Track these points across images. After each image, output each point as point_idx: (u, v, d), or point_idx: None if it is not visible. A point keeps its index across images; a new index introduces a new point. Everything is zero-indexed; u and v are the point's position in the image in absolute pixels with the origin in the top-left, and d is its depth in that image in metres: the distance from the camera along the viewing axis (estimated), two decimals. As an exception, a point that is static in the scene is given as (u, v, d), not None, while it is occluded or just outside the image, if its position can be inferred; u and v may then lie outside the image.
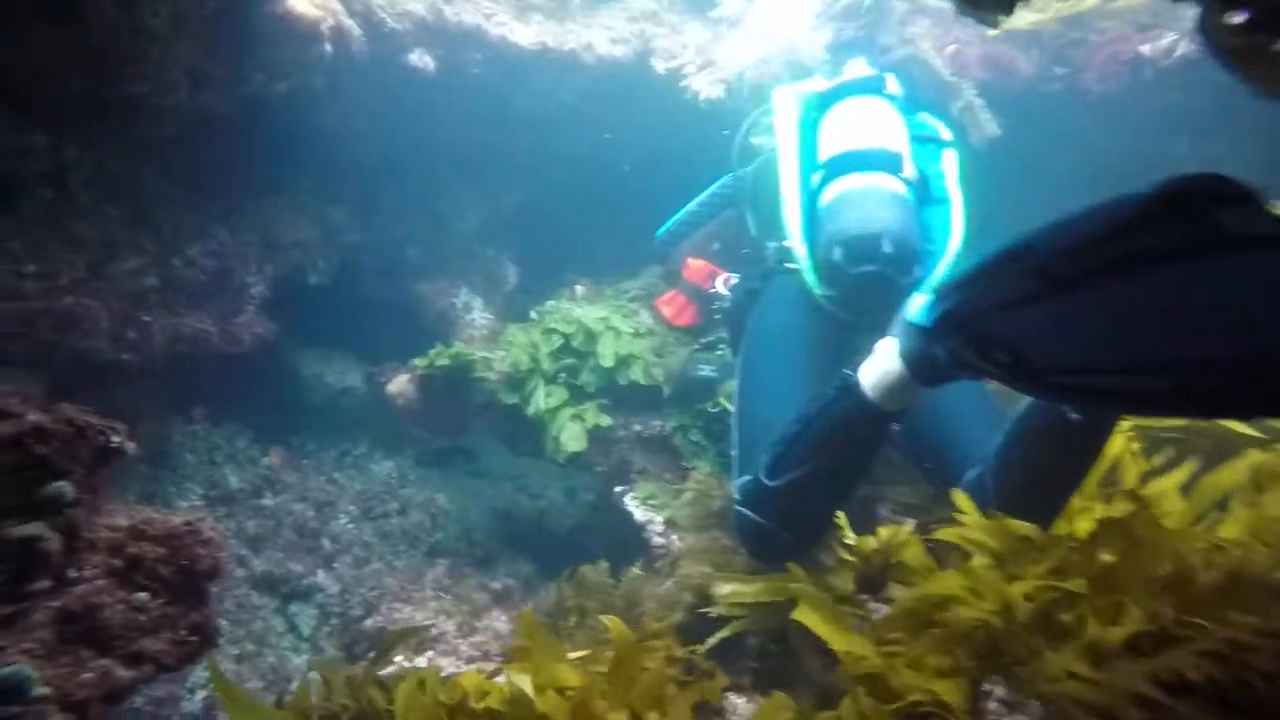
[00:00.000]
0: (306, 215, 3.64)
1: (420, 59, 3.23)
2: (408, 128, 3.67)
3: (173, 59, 2.52)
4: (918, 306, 1.37)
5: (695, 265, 2.81)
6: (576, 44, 3.58)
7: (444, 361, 3.33)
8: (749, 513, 1.87)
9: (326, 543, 3.61)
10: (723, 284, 2.67)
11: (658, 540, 2.99)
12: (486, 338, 3.77)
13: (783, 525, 1.84)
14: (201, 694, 2.92)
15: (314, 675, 1.97)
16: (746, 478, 1.91)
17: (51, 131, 2.37)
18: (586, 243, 4.16)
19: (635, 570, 2.69)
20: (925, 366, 1.47)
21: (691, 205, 2.95)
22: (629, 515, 3.09)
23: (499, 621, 2.97)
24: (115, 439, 1.56)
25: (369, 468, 4.07)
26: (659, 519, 3.03)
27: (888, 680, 1.30)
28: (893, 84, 2.37)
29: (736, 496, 1.94)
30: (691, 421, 3.23)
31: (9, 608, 1.30)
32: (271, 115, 3.17)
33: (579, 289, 3.95)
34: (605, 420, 3.18)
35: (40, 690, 1.21)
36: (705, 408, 3.13)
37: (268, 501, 3.65)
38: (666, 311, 2.99)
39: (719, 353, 2.86)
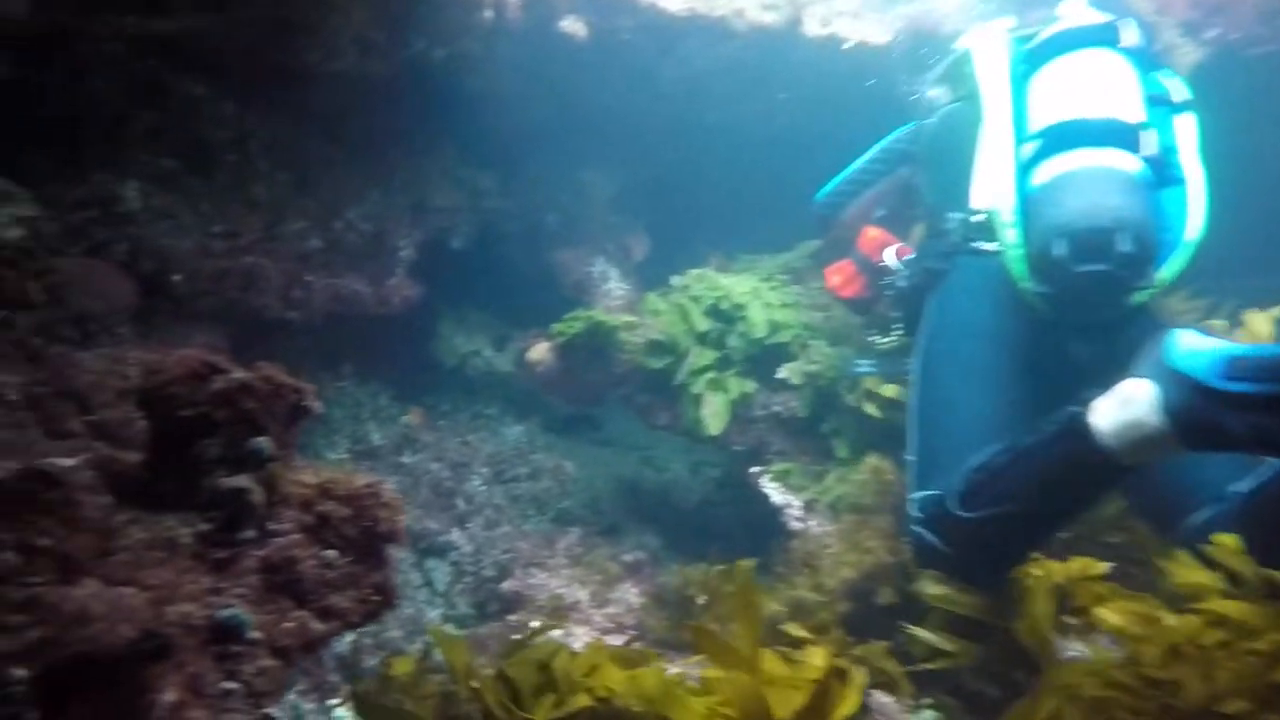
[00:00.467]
0: (453, 180, 3.71)
1: (572, 25, 3.21)
2: (553, 94, 3.67)
3: (345, 26, 2.58)
4: (1190, 350, 1.17)
5: (871, 234, 2.53)
6: (727, 10, 3.46)
7: (582, 327, 3.31)
8: (930, 536, 1.70)
9: (460, 503, 3.72)
10: (894, 256, 2.40)
11: (796, 524, 2.92)
12: (623, 307, 3.75)
13: (969, 558, 1.67)
14: (349, 637, 3.06)
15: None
16: (930, 494, 1.74)
17: (237, 100, 2.47)
18: (725, 216, 4.07)
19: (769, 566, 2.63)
20: (1205, 433, 1.25)
21: (860, 163, 2.67)
22: (765, 496, 3.03)
23: (631, 594, 2.98)
24: (307, 399, 1.61)
25: (500, 431, 4.16)
26: (798, 501, 2.95)
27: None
28: (1129, 33, 1.98)
29: (917, 514, 1.76)
30: (824, 406, 3.12)
31: (223, 552, 1.36)
32: (425, 80, 3.22)
33: (714, 262, 3.88)
34: (749, 387, 3.09)
35: (255, 634, 1.26)
36: (844, 400, 3.00)
37: (407, 459, 3.78)
38: (834, 280, 2.72)
39: (892, 335, 2.58)
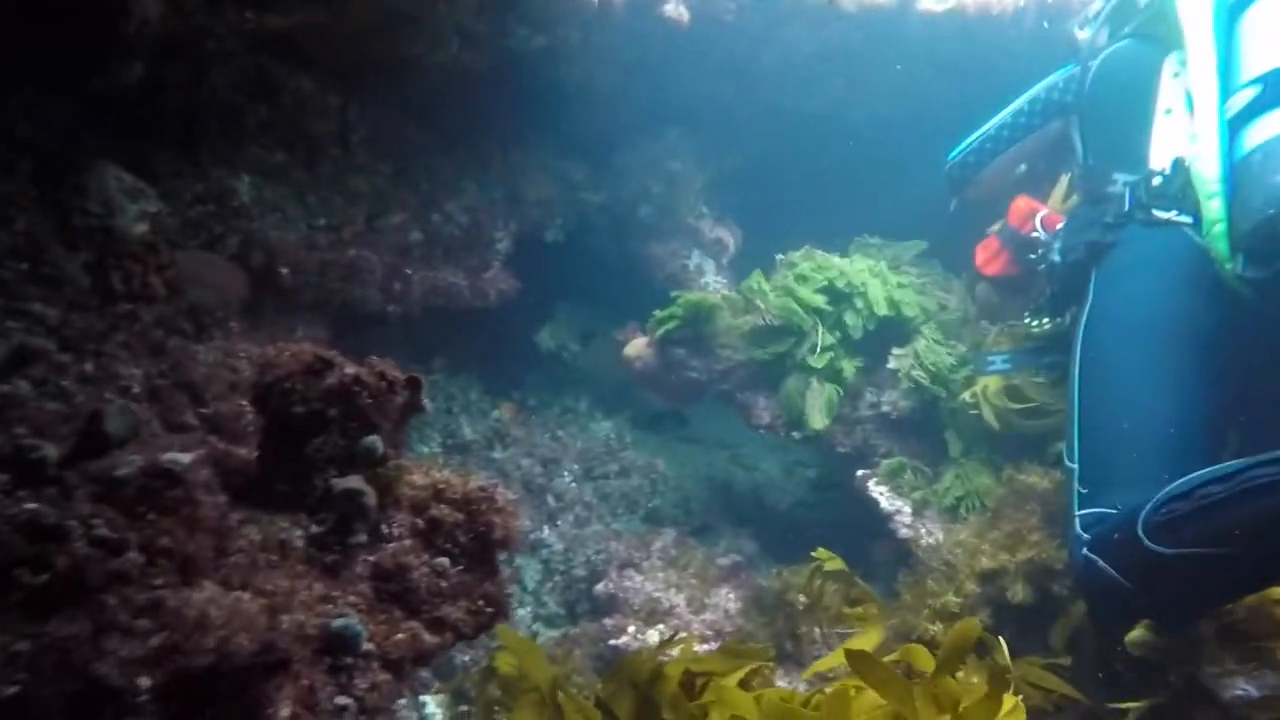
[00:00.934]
0: (548, 172, 3.65)
1: (675, 10, 3.10)
2: (649, 83, 3.57)
3: (450, 17, 2.53)
4: None
5: (1020, 205, 2.25)
6: (836, -11, 3.29)
7: (684, 310, 3.18)
8: (1106, 566, 1.44)
9: (550, 500, 3.68)
10: (1042, 225, 2.10)
11: (905, 531, 2.76)
12: (721, 299, 3.62)
13: (1157, 598, 1.42)
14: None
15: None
16: (1097, 511, 1.51)
17: (340, 93, 2.46)
18: (821, 207, 3.89)
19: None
20: None
21: (1002, 116, 2.37)
22: (873, 501, 2.87)
23: (729, 599, 2.86)
24: (418, 395, 1.55)
25: (589, 427, 4.11)
26: (907, 507, 2.79)
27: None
28: None
29: (1084, 535, 1.51)
30: (935, 404, 2.93)
31: (334, 556, 1.31)
32: (523, 70, 3.16)
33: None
34: (860, 363, 3.00)
35: (368, 646, 1.20)
36: (958, 399, 2.81)
37: (498, 454, 3.76)
38: (979, 257, 2.48)
39: (1049, 318, 2.18)
